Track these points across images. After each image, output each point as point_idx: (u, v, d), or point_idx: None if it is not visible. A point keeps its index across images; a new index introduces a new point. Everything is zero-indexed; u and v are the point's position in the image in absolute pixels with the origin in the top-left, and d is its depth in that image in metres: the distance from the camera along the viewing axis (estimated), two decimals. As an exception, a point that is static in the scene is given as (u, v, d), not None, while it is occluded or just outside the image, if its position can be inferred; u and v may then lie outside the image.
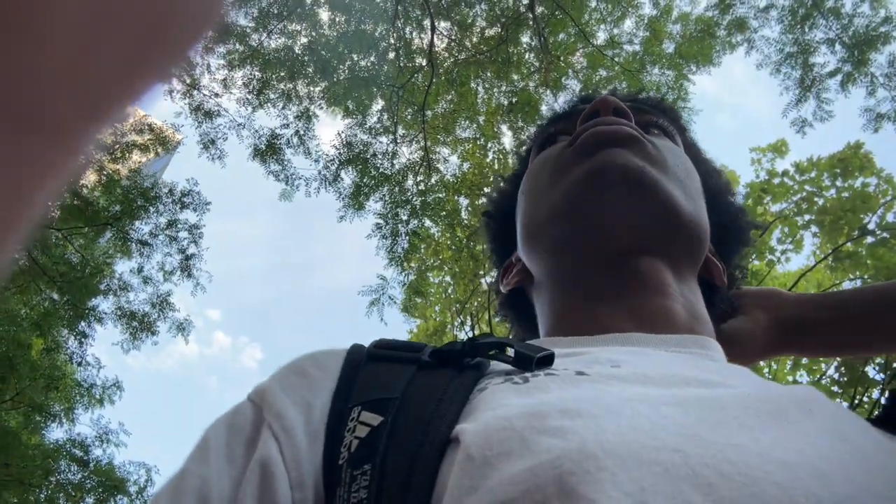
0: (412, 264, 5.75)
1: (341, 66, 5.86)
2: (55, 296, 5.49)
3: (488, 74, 6.09)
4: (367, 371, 0.39)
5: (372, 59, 5.96)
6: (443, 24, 6.11)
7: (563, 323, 0.54)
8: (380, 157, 5.46)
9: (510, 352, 0.39)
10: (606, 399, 0.32)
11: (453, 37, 6.09)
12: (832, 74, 4.46)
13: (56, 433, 6.05)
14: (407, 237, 5.39)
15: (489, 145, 6.16)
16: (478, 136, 6.14)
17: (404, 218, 5.26)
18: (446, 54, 6.09)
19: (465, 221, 5.75)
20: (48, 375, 5.23)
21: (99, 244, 5.87)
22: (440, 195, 5.63)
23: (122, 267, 5.95)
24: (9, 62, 0.12)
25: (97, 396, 5.87)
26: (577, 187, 0.53)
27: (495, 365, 0.40)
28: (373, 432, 0.33)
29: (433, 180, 5.55)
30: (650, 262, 0.52)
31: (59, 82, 0.13)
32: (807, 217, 5.25)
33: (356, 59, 5.91)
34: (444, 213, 5.66)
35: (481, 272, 5.73)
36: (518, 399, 0.33)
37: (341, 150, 5.26)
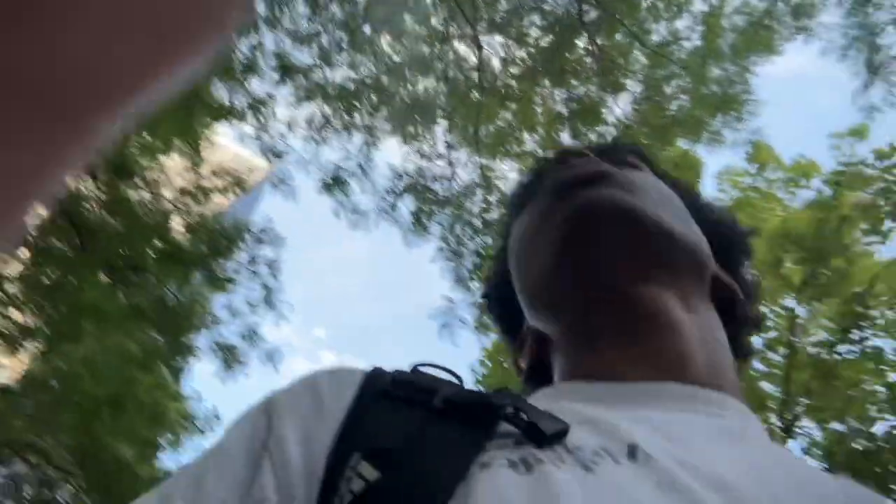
0: (482, 281, 5.82)
1: (399, 93, 6.03)
2: (156, 335, 5.98)
3: (546, 83, 6.07)
4: (377, 409, 0.38)
5: (429, 81, 6.10)
6: (497, 39, 6.17)
7: (579, 372, 0.51)
8: (438, 181, 5.57)
9: (524, 416, 0.37)
10: None
11: (506, 52, 6.12)
12: (898, 57, 4.15)
13: (165, 463, 6.57)
14: (472, 257, 5.47)
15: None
16: (539, 148, 6.12)
17: (466, 239, 5.34)
18: (500, 68, 6.13)
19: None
20: (154, 411, 5.70)
21: (191, 284, 6.33)
22: (501, 212, 5.67)
23: (214, 303, 6.39)
24: (32, 50, 0.13)
25: (199, 428, 6.34)
26: (559, 235, 0.53)
27: (507, 426, 0.37)
28: (368, 490, 0.32)
29: (493, 199, 5.59)
30: (653, 291, 0.51)
31: (80, 70, 0.14)
32: (887, 208, 4.89)
33: (413, 83, 6.06)
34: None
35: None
36: (515, 496, 0.32)
37: (395, 182, 5.42)
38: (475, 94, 5.76)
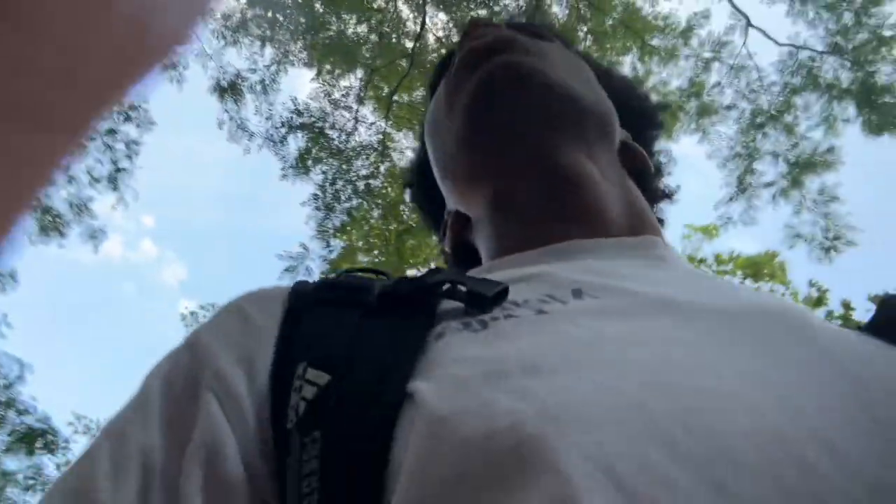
0: (343, 240, 5.77)
1: (328, 26, 5.78)
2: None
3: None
4: (312, 317, 0.36)
5: (362, 28, 5.91)
6: (441, 16, 6.11)
7: (508, 244, 0.51)
8: (337, 130, 5.43)
9: (463, 288, 0.36)
10: (567, 347, 0.30)
11: (445, 32, 6.09)
12: (768, 185, 4.74)
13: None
14: (342, 215, 5.40)
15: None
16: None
17: (343, 197, 5.27)
18: (435, 45, 6.09)
19: (405, 216, 5.80)
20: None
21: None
22: (387, 184, 5.66)
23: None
24: (16, 68, 0.14)
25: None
26: (469, 105, 0.53)
27: (449, 303, 0.36)
28: (320, 393, 0.31)
29: (383, 168, 5.56)
30: (567, 154, 0.51)
31: (60, 83, 0.15)
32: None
33: (346, 23, 5.84)
34: (387, 201, 5.69)
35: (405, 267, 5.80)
36: (477, 350, 0.31)
37: (294, 116, 5.21)
38: (404, 62, 5.68)
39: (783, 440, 0.24)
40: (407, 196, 0.74)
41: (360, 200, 5.30)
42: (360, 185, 5.35)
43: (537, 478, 0.23)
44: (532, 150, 0.51)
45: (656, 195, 0.62)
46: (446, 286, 0.37)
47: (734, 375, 0.28)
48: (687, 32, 5.15)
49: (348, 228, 5.53)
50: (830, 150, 4.65)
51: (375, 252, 6.21)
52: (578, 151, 0.51)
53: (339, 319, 0.35)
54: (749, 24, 4.69)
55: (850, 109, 4.77)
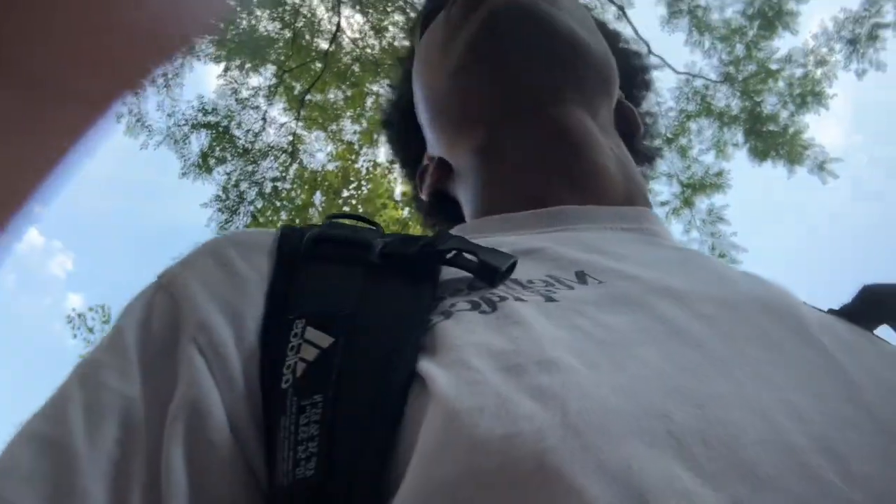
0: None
1: (236, 19, 5.59)
2: None
3: (386, 82, 6.09)
4: (307, 272, 0.34)
5: (274, 25, 5.76)
6: (357, 18, 6.05)
7: (493, 198, 0.49)
8: (243, 129, 5.27)
9: (472, 258, 0.34)
10: (581, 344, 0.28)
11: (361, 34, 6.04)
12: (663, 204, 5.01)
13: None
14: (246, 218, 5.24)
15: (363, 151, 6.15)
16: (356, 141, 6.11)
17: (247, 200, 5.11)
18: (351, 46, 6.02)
19: (313, 220, 5.70)
20: None
21: None
22: (295, 186, 5.54)
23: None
24: (59, 52, 0.16)
25: None
26: (472, 42, 0.49)
27: (452, 271, 0.34)
28: (322, 356, 0.29)
29: (292, 171, 5.44)
30: (569, 108, 0.49)
31: (95, 64, 0.17)
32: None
33: (256, 18, 5.67)
34: (296, 205, 5.57)
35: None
36: (490, 336, 0.29)
37: (198, 114, 5.01)
38: (317, 63, 5.58)
39: (793, 451, 0.24)
40: (384, 135, 0.71)
41: (265, 203, 5.16)
42: (267, 187, 5.21)
43: (559, 499, 0.21)
44: (532, 97, 0.49)
45: (642, 158, 0.60)
46: (453, 253, 0.34)
47: (743, 377, 0.27)
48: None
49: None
50: (720, 173, 4.98)
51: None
52: (580, 106, 0.50)
53: (340, 277, 0.33)
54: (650, 51, 4.92)
55: (739, 136, 5.11)
